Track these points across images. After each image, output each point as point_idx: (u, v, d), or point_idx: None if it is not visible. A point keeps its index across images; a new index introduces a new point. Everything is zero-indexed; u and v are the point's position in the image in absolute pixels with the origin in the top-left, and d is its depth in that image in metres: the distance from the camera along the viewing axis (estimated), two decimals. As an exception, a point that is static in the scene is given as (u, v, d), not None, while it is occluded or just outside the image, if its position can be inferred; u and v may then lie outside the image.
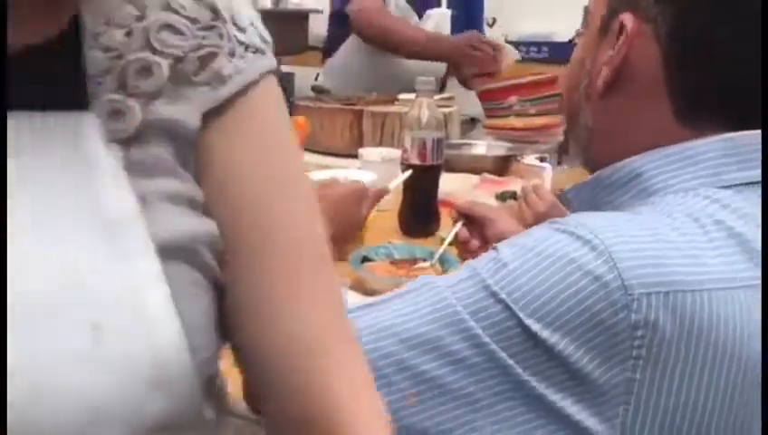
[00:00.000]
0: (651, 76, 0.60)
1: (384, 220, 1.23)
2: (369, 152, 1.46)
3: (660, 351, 0.50)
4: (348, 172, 1.34)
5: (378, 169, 1.34)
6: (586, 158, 0.68)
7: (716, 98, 0.58)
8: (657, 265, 0.51)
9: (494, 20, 3.08)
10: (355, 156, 1.74)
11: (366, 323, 0.57)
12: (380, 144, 1.76)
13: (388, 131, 1.81)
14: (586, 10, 0.69)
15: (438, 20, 2.13)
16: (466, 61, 1.99)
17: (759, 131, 0.57)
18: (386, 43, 2.00)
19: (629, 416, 0.51)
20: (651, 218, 0.55)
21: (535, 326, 0.51)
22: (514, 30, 3.25)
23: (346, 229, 0.89)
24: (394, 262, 1.03)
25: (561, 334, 0.51)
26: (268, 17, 1.96)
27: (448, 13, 2.15)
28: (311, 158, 1.80)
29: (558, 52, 3.02)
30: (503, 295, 0.53)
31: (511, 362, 0.52)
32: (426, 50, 1.99)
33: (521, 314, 0.52)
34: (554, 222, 0.56)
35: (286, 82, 2.53)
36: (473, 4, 2.29)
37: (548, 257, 0.53)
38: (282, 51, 2.17)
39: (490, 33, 2.79)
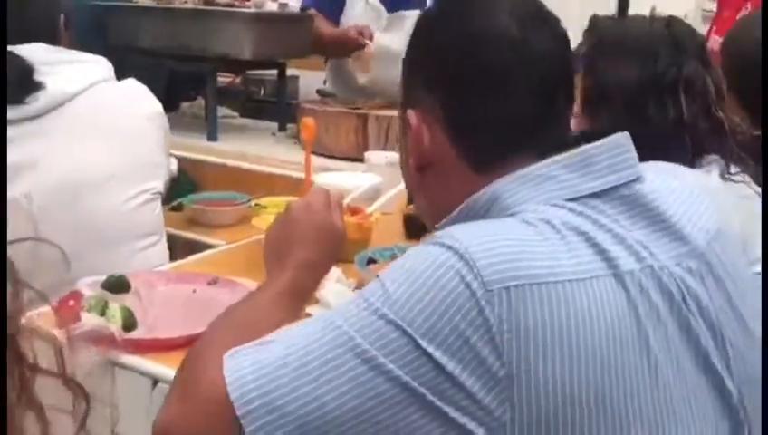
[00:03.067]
0: (445, 152, 0.69)
1: (390, 222, 1.24)
2: (374, 156, 1.47)
3: (528, 341, 0.55)
4: (353, 175, 1.36)
5: (383, 173, 1.35)
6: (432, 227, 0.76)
7: (502, 147, 0.68)
8: (513, 260, 0.57)
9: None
10: (359, 159, 1.75)
11: (254, 359, 0.58)
12: (385, 148, 1.77)
13: (394, 136, 1.82)
14: None
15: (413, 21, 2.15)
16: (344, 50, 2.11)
17: (590, 146, 0.65)
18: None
19: (514, 413, 0.55)
20: (509, 222, 0.63)
21: (424, 342, 0.55)
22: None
23: (330, 246, 0.83)
24: (399, 264, 1.03)
25: (442, 348, 0.55)
26: (273, 20, 1.95)
27: None
28: (315, 161, 1.80)
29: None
30: (392, 316, 0.56)
31: (407, 378, 0.55)
32: (333, 42, 2.10)
33: (413, 333, 0.56)
34: (428, 239, 0.63)
35: (291, 84, 2.54)
36: None
37: (423, 271, 0.58)
38: (287, 54, 2.19)
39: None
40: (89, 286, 0.90)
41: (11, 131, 1.11)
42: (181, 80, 2.25)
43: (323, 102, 2.02)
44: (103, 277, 0.92)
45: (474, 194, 0.68)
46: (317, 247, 0.81)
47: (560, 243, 0.60)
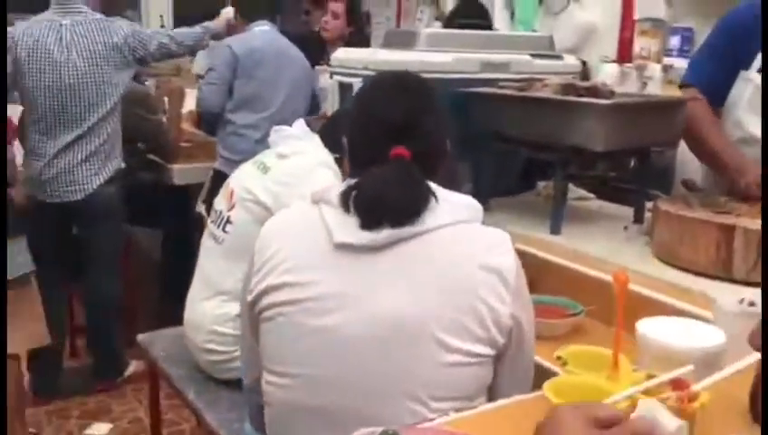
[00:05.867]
0: None
1: (722, 400, 0.99)
2: (728, 300, 1.20)
3: None
4: (687, 326, 1.12)
5: (732, 325, 1.09)
6: None
7: None
8: None
9: None
10: (721, 278, 1.49)
11: None
12: (753, 269, 1.47)
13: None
14: None
15: None
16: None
17: None
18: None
19: None
20: None
21: None
22: None
23: None
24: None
25: None
26: (635, 109, 1.78)
27: None
28: (668, 274, 1.58)
29: None
30: None
31: None
32: (712, 159, 1.89)
33: None
34: None
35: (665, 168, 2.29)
36: None
37: None
38: (650, 144, 1.98)
39: None
40: (364, 437, 0.89)
41: (349, 258, 1.10)
42: (541, 159, 2.21)
43: (684, 201, 1.76)
44: (379, 430, 0.90)
45: None
46: None
47: None
